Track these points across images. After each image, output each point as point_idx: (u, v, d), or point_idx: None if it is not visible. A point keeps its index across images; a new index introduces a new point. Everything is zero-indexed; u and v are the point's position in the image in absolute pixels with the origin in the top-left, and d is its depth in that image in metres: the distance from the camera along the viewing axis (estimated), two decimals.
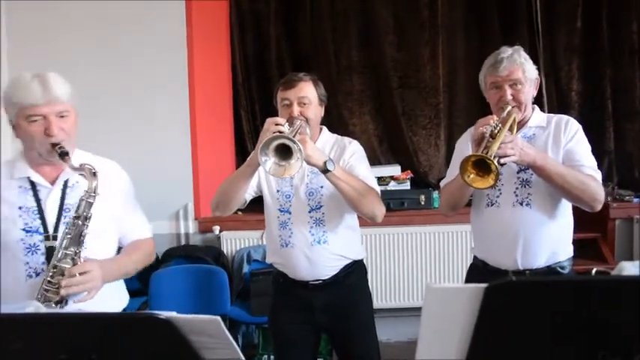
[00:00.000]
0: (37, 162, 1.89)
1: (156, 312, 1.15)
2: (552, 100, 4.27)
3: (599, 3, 4.22)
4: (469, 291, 1.12)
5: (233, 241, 3.95)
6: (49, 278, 1.76)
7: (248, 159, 2.27)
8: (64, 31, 3.81)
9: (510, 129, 2.09)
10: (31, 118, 1.81)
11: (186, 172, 3.98)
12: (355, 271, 2.30)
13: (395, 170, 4.24)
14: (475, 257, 2.31)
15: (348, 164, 2.23)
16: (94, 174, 1.81)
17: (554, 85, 4.31)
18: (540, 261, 2.11)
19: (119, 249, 2.07)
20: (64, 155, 1.80)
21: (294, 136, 1.99)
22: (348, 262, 2.27)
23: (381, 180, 4.14)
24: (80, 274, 1.76)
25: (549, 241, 2.11)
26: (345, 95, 4.40)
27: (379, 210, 2.19)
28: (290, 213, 2.24)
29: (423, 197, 4.02)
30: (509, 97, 2.11)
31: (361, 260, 2.36)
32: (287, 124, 2.07)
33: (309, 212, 2.23)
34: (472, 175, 1.91)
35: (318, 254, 2.22)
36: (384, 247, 3.98)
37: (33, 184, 1.89)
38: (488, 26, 4.30)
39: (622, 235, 3.99)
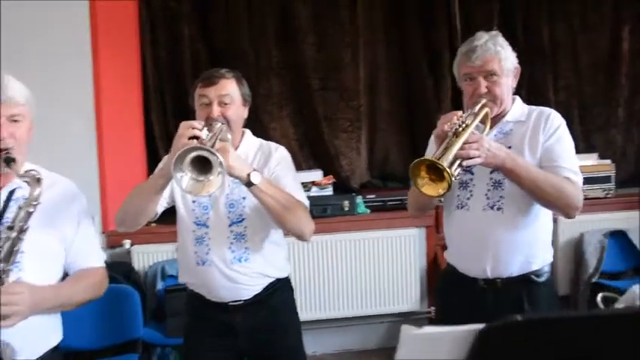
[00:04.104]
0: None
1: None
2: None
3: (515, 5, 4.29)
4: (455, 335, 0.95)
5: (145, 256, 3.62)
6: None
7: (158, 169, 2.01)
8: None
9: (484, 124, 1.93)
10: None
11: (92, 182, 3.60)
12: (279, 290, 2.10)
13: (316, 175, 4.06)
14: (447, 262, 2.13)
15: (274, 174, 2.03)
16: (38, 180, 1.62)
17: None
18: (512, 269, 1.96)
19: (65, 276, 1.83)
20: (9, 161, 1.65)
21: (214, 144, 1.75)
22: (271, 280, 2.07)
23: (302, 186, 3.97)
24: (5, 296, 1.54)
25: (522, 248, 1.95)
26: (264, 98, 4.18)
27: (307, 227, 1.99)
28: (207, 227, 2.01)
29: (347, 203, 3.88)
30: (484, 90, 1.93)
31: (286, 278, 2.16)
32: (205, 128, 1.83)
33: (230, 226, 2.00)
34: (425, 179, 1.73)
35: (238, 273, 2.00)
36: (309, 257, 3.81)
37: None
38: (409, 27, 4.23)
39: None
